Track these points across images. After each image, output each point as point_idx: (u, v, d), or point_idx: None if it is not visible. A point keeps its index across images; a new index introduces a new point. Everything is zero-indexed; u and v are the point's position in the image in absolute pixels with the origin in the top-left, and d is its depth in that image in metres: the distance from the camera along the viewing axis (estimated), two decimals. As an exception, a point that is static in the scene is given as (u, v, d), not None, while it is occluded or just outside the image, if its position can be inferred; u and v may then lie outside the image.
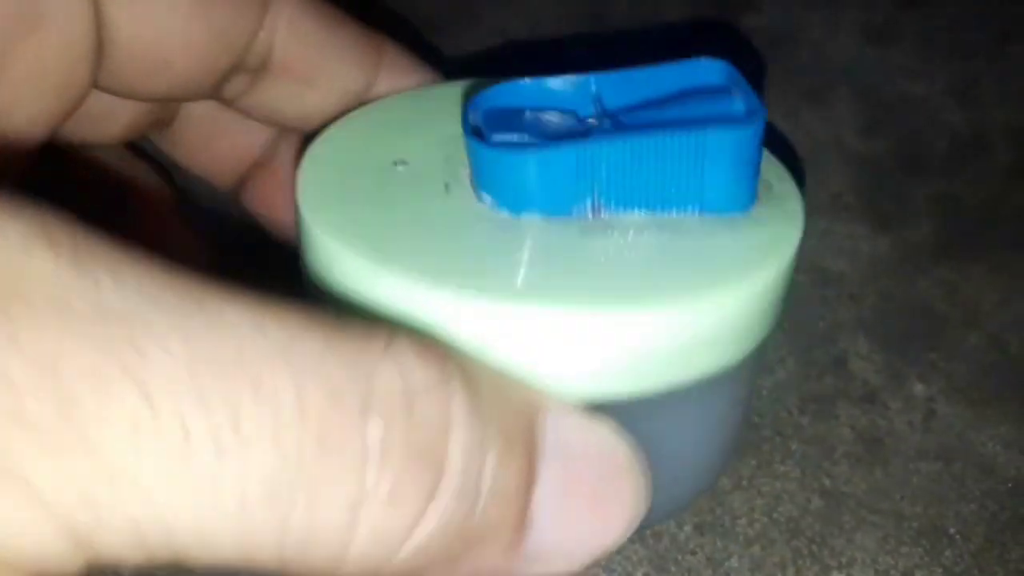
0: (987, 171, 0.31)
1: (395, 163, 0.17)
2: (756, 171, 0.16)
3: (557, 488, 0.13)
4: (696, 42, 0.35)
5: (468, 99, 0.16)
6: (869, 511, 0.22)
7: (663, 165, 0.15)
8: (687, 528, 0.22)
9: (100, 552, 0.10)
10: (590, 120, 0.17)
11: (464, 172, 0.17)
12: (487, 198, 0.16)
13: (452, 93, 0.19)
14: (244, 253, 0.23)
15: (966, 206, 0.30)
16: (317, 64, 0.20)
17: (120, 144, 0.21)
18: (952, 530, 0.22)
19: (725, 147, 0.15)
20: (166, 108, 0.21)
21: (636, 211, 0.16)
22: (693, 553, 0.21)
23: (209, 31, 0.18)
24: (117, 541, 0.10)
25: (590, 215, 0.16)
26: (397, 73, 0.21)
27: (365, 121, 0.19)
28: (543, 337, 0.14)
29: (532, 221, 0.15)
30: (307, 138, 0.19)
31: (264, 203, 0.23)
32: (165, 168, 0.23)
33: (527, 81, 0.17)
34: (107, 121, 0.20)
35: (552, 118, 0.16)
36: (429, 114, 0.19)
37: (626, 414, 0.14)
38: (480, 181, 0.16)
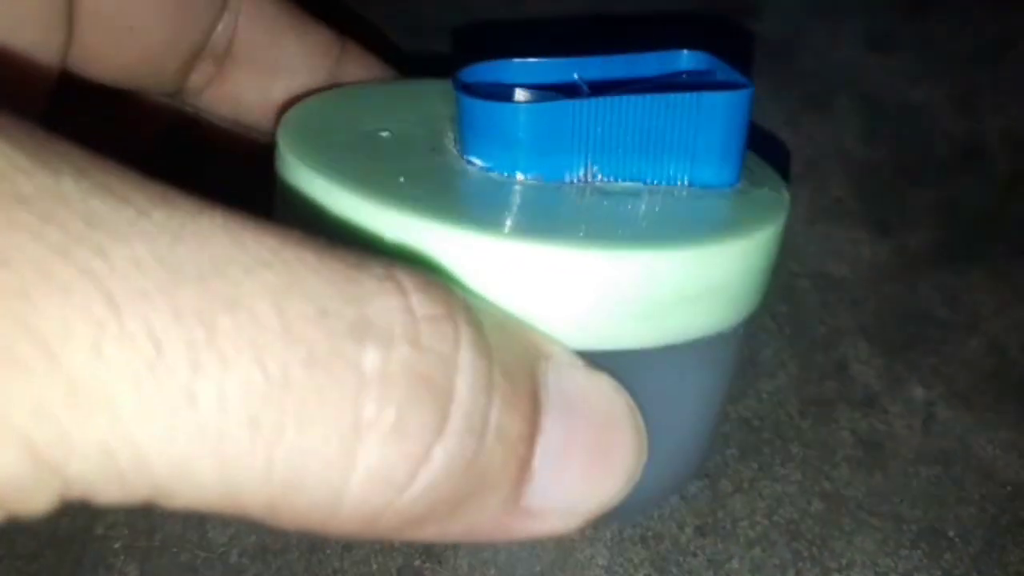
0: (987, 178, 0.32)
1: (377, 131, 0.16)
2: (744, 143, 0.16)
3: (558, 440, 0.12)
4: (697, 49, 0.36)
5: (454, 74, 0.16)
6: (869, 514, 0.22)
7: (655, 128, 0.15)
8: (688, 530, 0.22)
9: (71, 482, 0.09)
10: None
11: (449, 141, 0.16)
12: (476, 162, 0.16)
13: (426, 86, 0.19)
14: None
15: (966, 212, 0.30)
16: (280, 52, 0.20)
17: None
18: (951, 533, 0.22)
19: (717, 110, 0.15)
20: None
21: (628, 181, 0.16)
22: (694, 555, 0.21)
23: (175, 2, 0.18)
24: (87, 469, 0.09)
25: (582, 180, 0.15)
26: (360, 67, 0.21)
27: (342, 95, 0.19)
28: (541, 277, 0.13)
29: (523, 181, 0.15)
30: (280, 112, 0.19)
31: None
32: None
33: (513, 60, 0.17)
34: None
35: (538, 93, 0.16)
36: (406, 97, 0.19)
37: (623, 368, 0.14)
38: (469, 142, 0.16)
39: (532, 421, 0.12)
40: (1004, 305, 0.27)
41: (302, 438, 0.10)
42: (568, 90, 0.17)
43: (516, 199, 0.15)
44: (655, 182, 0.16)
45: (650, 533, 0.22)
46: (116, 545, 0.22)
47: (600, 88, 0.17)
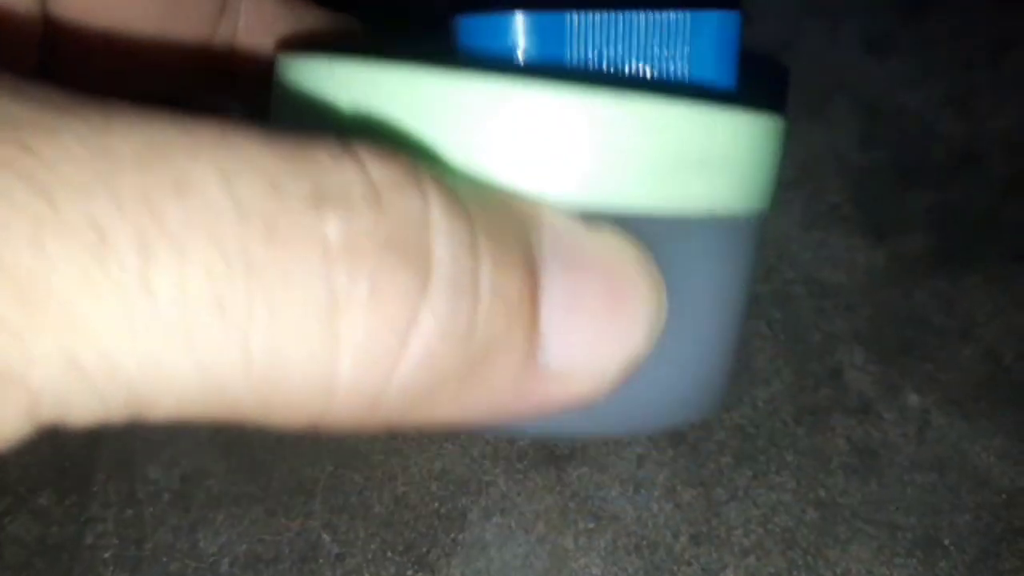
0: (984, 183, 0.31)
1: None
2: (735, 68, 0.17)
3: (564, 296, 0.12)
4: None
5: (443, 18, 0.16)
6: (864, 522, 0.22)
7: (650, 44, 0.16)
8: (683, 539, 0.22)
9: (39, 397, 0.09)
10: None
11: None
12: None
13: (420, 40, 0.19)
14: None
15: (962, 218, 0.30)
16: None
17: None
18: (947, 541, 0.22)
19: (711, 28, 0.16)
20: None
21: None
22: (688, 564, 0.21)
23: None
24: (52, 378, 0.08)
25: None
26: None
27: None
28: (539, 123, 0.13)
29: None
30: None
31: None
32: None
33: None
34: None
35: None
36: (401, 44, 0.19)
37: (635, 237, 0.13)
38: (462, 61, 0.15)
39: (530, 279, 0.11)
40: (1000, 311, 0.27)
41: (276, 320, 0.09)
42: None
43: (514, 68, 0.14)
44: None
45: (644, 542, 0.22)
46: (106, 555, 0.21)
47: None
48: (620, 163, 0.13)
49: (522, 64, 0.15)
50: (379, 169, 0.10)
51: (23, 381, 0.08)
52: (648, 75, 0.16)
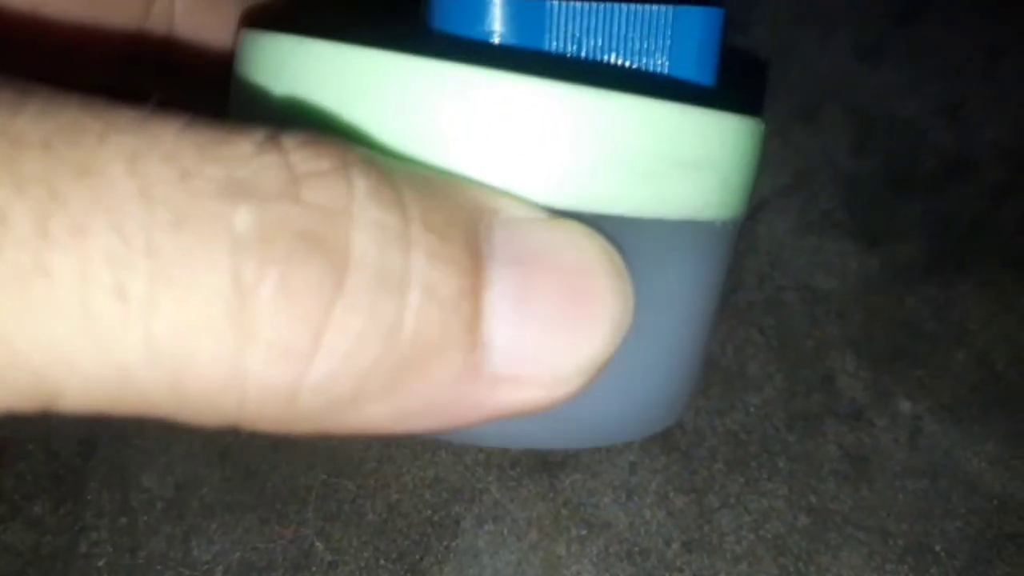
0: (975, 189, 0.32)
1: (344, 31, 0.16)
2: (716, 66, 0.16)
3: (515, 293, 0.11)
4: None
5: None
6: (855, 528, 0.22)
7: (631, 37, 0.15)
8: (675, 546, 0.22)
9: None
10: None
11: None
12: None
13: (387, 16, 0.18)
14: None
15: (954, 224, 0.30)
16: None
17: None
18: (938, 547, 0.22)
19: (694, 25, 0.15)
20: None
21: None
22: (680, 571, 0.21)
23: None
24: None
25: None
26: None
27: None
28: (504, 115, 0.12)
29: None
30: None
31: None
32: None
33: None
34: None
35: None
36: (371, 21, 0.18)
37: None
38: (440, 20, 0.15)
39: (472, 275, 0.10)
40: (991, 317, 0.28)
41: (181, 311, 0.09)
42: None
43: (487, 54, 0.14)
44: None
45: (636, 549, 0.22)
46: (100, 563, 0.22)
47: None
48: (592, 160, 0.13)
49: (496, 51, 0.15)
50: (303, 159, 0.10)
51: None
52: (627, 69, 0.15)
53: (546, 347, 0.11)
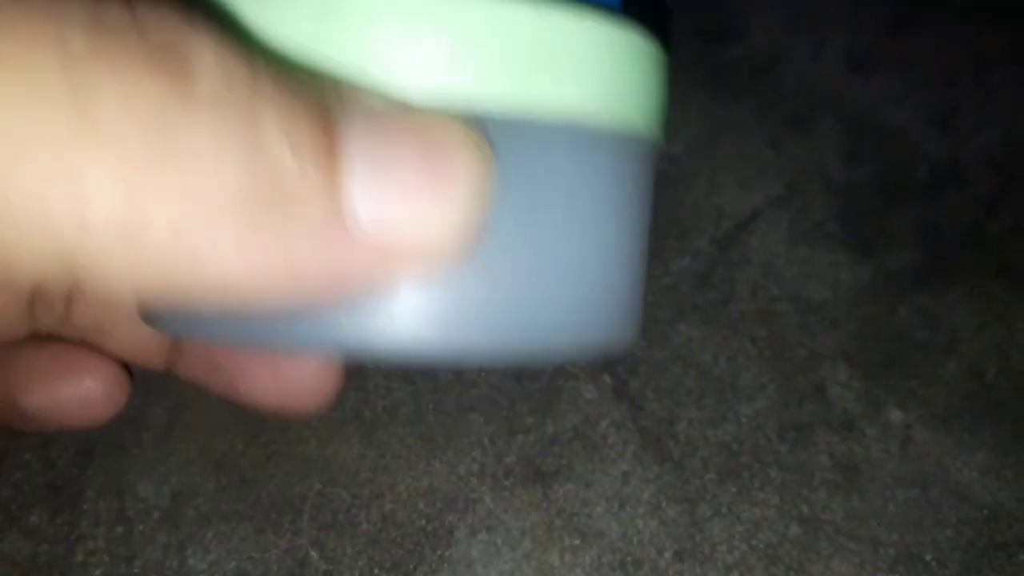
0: (966, 199, 0.32)
1: None
2: None
3: (372, 156, 0.11)
4: (677, 67, 0.36)
5: None
6: (846, 538, 0.22)
7: None
8: (667, 555, 0.22)
9: None
10: None
11: None
12: None
13: None
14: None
15: (946, 234, 0.31)
16: None
17: None
18: (928, 557, 0.22)
19: None
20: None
21: None
22: (672, 580, 0.22)
23: None
24: None
25: None
26: None
27: None
28: (355, 12, 0.12)
29: None
30: None
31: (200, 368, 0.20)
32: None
33: None
34: None
35: None
36: None
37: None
38: None
39: (327, 133, 0.10)
40: (983, 327, 0.28)
41: (17, 126, 0.08)
42: None
43: None
44: None
45: (629, 558, 0.22)
46: (96, 572, 0.22)
47: None
48: (466, 56, 0.13)
49: None
50: (150, 16, 0.09)
51: None
52: None
53: (407, 210, 0.11)
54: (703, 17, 0.38)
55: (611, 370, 0.26)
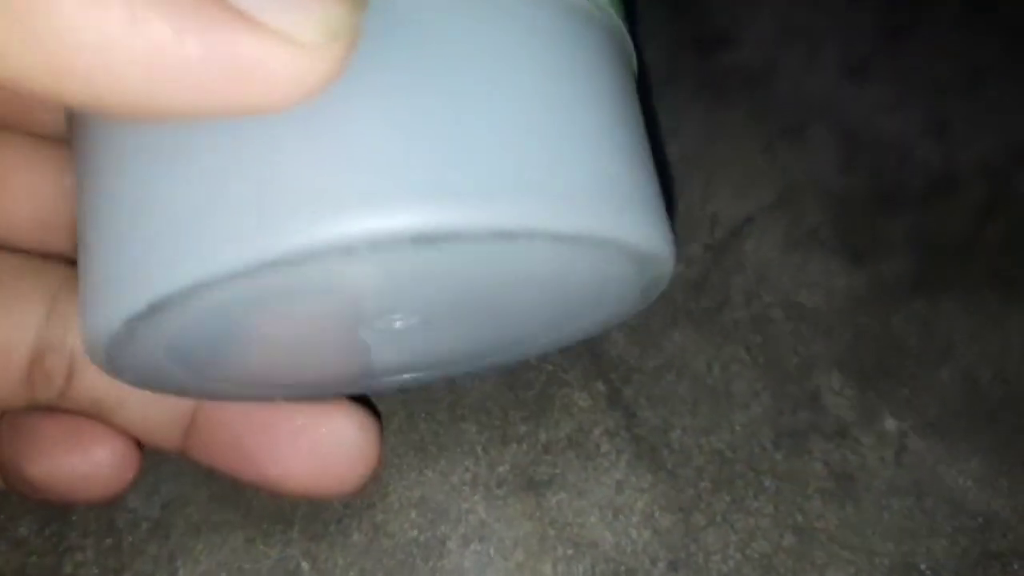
0: (961, 207, 0.32)
1: None
2: None
3: None
4: (670, 76, 0.36)
5: None
6: (841, 547, 0.22)
7: None
8: (660, 565, 0.22)
9: None
10: None
11: None
12: None
13: None
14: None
15: (940, 242, 0.31)
16: None
17: None
18: (923, 566, 0.22)
19: None
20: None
21: None
22: (666, 590, 0.21)
23: None
24: None
25: None
26: None
27: None
28: None
29: None
30: None
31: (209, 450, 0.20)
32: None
33: None
34: None
35: None
36: None
37: None
38: None
39: None
40: (977, 335, 0.28)
41: None
42: None
43: None
44: None
45: (623, 568, 0.22)
46: (84, 584, 0.21)
47: None
48: None
49: None
50: None
51: None
52: None
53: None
54: (697, 25, 0.38)
55: (604, 377, 0.26)
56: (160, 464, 0.23)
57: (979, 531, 0.23)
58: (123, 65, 0.10)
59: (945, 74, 0.37)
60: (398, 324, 0.16)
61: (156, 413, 0.19)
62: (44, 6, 0.09)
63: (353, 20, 0.11)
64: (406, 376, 0.20)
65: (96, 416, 0.19)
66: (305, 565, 0.22)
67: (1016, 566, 0.22)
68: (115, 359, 0.14)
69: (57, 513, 0.23)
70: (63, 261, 0.18)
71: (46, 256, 0.18)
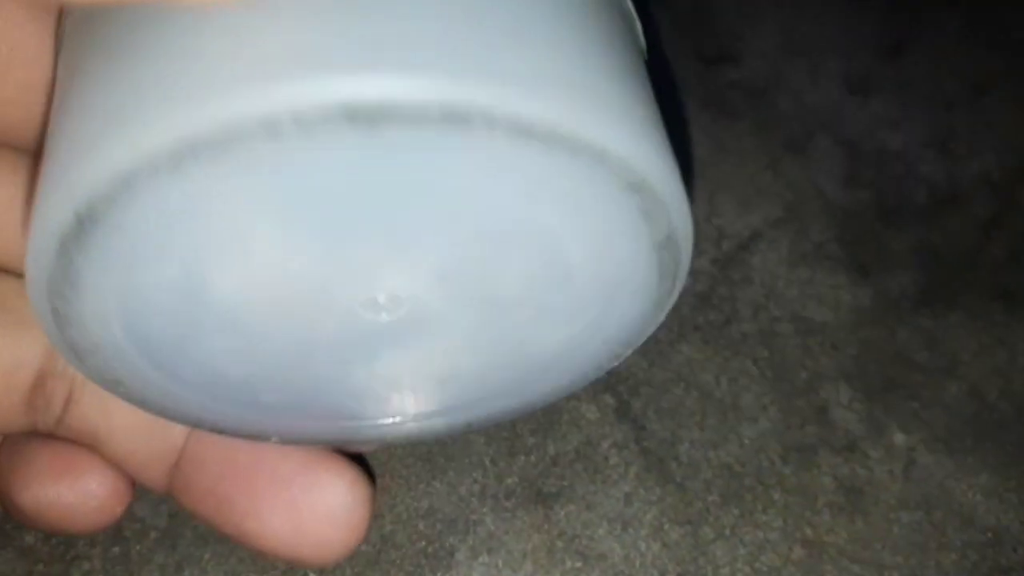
0: (965, 221, 0.32)
1: None
2: None
3: None
4: (675, 91, 0.36)
5: None
6: (850, 560, 0.22)
7: None
8: (670, 578, 0.22)
9: None
10: None
11: None
12: None
13: None
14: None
15: (945, 256, 0.31)
16: None
17: None
18: (933, 581, 0.22)
19: None
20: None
21: None
22: (676, 604, 0.21)
23: None
24: None
25: None
26: None
27: None
28: None
29: None
30: None
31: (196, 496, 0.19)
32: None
33: None
34: None
35: None
36: None
37: None
38: None
39: None
40: (983, 349, 0.28)
41: None
42: None
43: None
44: None
45: (631, 581, 0.22)
46: (91, 595, 0.21)
47: None
48: None
49: None
50: None
51: None
52: None
53: None
54: (702, 40, 0.39)
55: (613, 390, 0.26)
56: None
57: (989, 545, 0.23)
58: None
59: (947, 89, 0.37)
60: (382, 299, 0.14)
61: (143, 448, 0.18)
62: None
63: None
64: (410, 425, 0.18)
65: (91, 447, 0.18)
66: (312, 575, 0.22)
67: (1026, 581, 0.22)
68: (64, 310, 0.13)
69: (64, 523, 0.23)
70: None
71: None
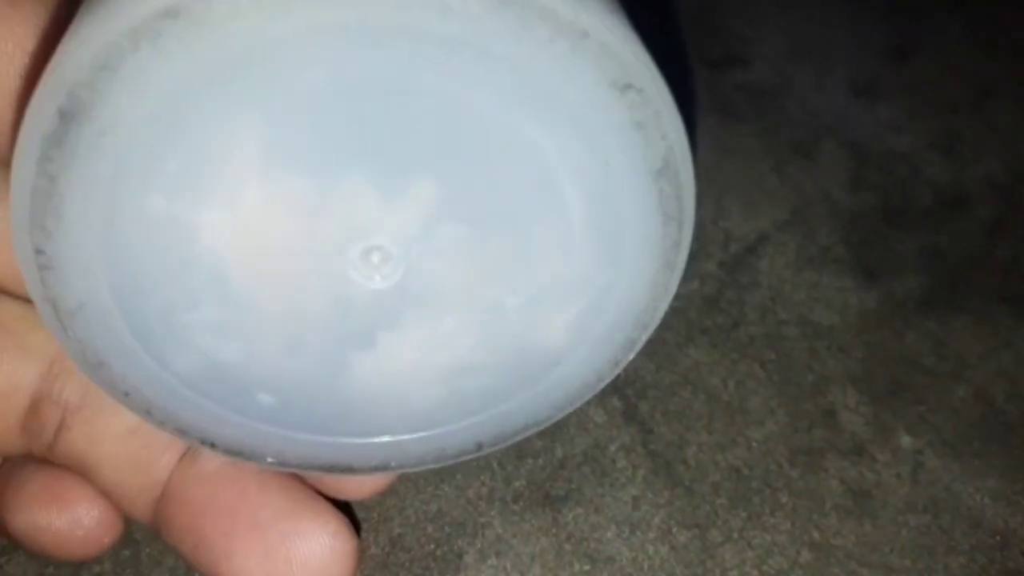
0: (970, 224, 0.32)
1: None
2: None
3: None
4: (681, 95, 0.36)
5: None
6: (858, 564, 0.22)
7: None
8: (678, 581, 0.22)
9: None
10: None
11: None
12: None
13: None
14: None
15: (951, 259, 0.31)
16: None
17: None
18: (941, 584, 0.22)
19: None
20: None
21: None
22: (684, 606, 0.21)
23: None
24: None
25: None
26: None
27: None
28: None
29: None
30: None
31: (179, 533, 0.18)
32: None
33: None
34: None
35: None
36: None
37: None
38: None
39: None
40: (989, 352, 0.28)
41: None
42: None
43: None
44: None
45: (640, 584, 0.22)
46: (102, 597, 0.21)
47: None
48: None
49: None
50: None
51: None
52: None
53: None
54: (708, 45, 0.39)
55: (620, 393, 0.26)
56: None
57: (997, 548, 0.23)
58: None
59: (953, 93, 0.37)
60: (375, 258, 0.14)
61: (128, 480, 0.18)
62: None
63: None
64: (415, 444, 0.17)
65: (81, 475, 0.18)
66: (322, 579, 0.22)
67: (1035, 584, 0.22)
68: (46, 249, 0.13)
69: (74, 525, 0.23)
70: None
71: None
